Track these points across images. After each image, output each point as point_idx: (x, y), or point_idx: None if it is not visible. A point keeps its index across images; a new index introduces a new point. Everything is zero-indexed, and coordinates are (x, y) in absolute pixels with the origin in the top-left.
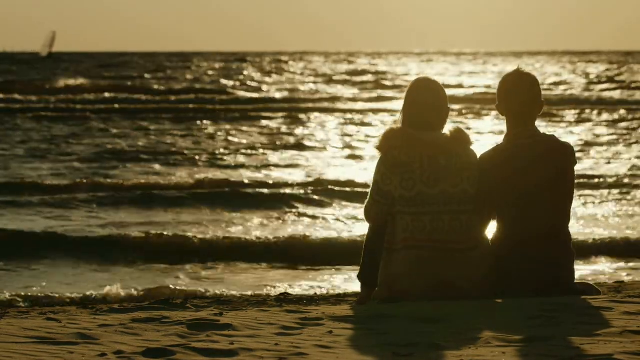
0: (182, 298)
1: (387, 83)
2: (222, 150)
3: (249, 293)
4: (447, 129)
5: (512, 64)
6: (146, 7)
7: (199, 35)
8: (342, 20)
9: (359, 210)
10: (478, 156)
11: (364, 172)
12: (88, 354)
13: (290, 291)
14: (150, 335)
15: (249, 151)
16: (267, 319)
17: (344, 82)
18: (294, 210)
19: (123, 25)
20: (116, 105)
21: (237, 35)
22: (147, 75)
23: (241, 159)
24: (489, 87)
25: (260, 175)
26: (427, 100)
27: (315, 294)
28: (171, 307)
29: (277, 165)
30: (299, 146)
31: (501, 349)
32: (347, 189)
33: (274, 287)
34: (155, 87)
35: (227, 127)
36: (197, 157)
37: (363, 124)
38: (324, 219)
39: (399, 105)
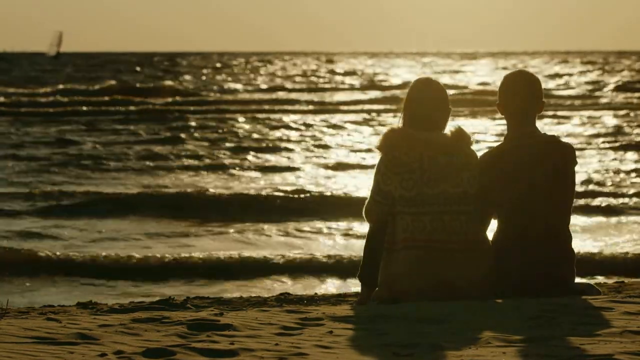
0: (182, 298)
1: (326, 85)
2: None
3: (249, 294)
4: (448, 129)
5: (483, 66)
6: (146, 7)
7: (200, 35)
8: (342, 20)
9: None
10: (478, 156)
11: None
12: (88, 354)
13: (290, 291)
14: (151, 335)
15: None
16: (267, 319)
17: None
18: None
19: (124, 25)
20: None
21: (237, 35)
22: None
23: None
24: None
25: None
26: (428, 100)
27: (316, 294)
28: (171, 307)
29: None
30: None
31: (501, 349)
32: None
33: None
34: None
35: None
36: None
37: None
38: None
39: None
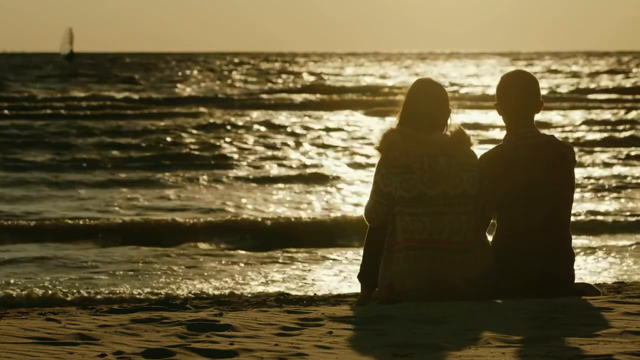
0: (181, 298)
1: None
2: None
3: (249, 294)
4: (448, 129)
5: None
6: (146, 7)
7: (202, 35)
8: (342, 21)
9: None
10: (478, 157)
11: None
12: (88, 355)
13: (290, 291)
14: (150, 335)
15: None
16: (267, 320)
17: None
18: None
19: (124, 26)
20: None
21: (237, 36)
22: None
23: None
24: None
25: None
26: (428, 101)
27: (315, 294)
28: (171, 308)
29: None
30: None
31: (501, 350)
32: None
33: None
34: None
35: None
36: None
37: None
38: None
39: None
